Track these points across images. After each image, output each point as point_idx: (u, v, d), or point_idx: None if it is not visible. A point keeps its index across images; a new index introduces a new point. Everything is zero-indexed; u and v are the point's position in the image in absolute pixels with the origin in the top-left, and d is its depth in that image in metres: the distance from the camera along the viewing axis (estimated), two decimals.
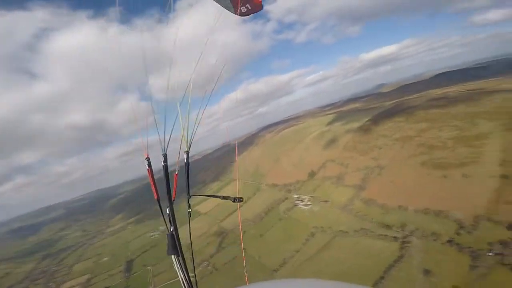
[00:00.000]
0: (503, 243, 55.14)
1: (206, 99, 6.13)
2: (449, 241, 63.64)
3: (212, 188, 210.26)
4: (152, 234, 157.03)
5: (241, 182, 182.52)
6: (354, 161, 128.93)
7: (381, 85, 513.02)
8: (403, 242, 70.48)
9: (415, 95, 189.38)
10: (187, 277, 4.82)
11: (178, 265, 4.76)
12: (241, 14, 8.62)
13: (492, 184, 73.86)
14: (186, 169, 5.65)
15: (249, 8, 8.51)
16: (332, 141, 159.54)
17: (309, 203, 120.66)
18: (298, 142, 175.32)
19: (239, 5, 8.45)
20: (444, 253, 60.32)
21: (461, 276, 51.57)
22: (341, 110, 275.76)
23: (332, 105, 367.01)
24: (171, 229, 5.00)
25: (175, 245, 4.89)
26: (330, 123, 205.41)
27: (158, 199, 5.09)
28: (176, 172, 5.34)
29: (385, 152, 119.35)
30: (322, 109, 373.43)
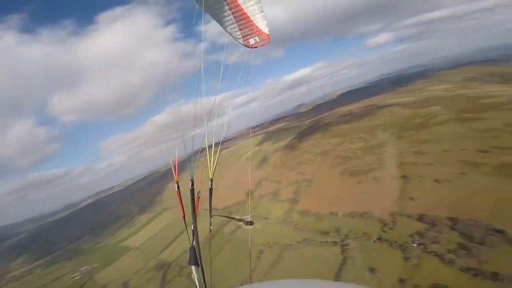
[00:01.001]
0: (420, 234, 65.14)
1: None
2: (379, 239, 71.71)
3: (141, 220, 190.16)
4: (73, 275, 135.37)
5: (176, 210, 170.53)
6: (284, 177, 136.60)
7: (300, 105, 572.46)
8: (342, 246, 75.64)
9: (327, 113, 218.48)
10: (204, 287, 5.47)
11: (196, 275, 5.50)
12: (250, 46, 9.15)
13: (396, 184, 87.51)
14: (209, 193, 6.65)
15: (257, 40, 9.01)
16: (263, 160, 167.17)
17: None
18: (233, 164, 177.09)
19: (249, 37, 8.94)
20: (379, 250, 67.71)
21: (400, 268, 58.63)
22: (268, 130, 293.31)
23: (260, 126, 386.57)
24: (193, 243, 5.75)
25: (196, 257, 5.61)
26: (260, 143, 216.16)
27: (184, 217, 6.01)
28: (198, 195, 6.28)
29: (310, 166, 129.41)
30: (252, 130, 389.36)
